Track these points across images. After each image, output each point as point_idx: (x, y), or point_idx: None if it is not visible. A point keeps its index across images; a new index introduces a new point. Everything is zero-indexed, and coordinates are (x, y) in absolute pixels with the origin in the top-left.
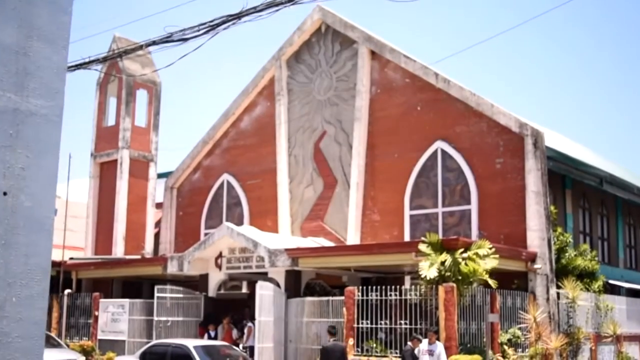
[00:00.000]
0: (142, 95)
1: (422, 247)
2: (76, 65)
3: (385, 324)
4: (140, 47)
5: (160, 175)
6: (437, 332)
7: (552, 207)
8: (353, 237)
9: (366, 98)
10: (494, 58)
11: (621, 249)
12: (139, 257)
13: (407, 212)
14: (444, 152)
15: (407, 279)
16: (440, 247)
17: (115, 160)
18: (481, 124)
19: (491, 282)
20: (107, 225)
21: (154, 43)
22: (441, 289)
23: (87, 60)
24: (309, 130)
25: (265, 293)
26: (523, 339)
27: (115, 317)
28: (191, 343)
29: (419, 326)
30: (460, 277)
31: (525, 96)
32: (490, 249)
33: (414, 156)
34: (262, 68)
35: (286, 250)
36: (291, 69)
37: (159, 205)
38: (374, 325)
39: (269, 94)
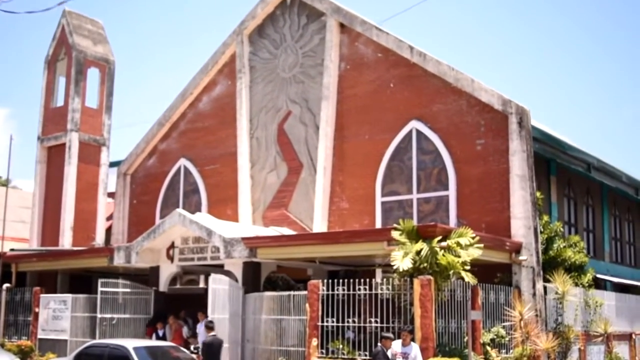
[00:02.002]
0: (94, 75)
1: (396, 234)
2: None
3: (354, 322)
4: None
5: (113, 164)
6: (412, 332)
7: (538, 193)
8: (319, 227)
9: (334, 75)
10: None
11: (607, 242)
12: (83, 248)
13: (379, 199)
14: (419, 132)
15: (379, 272)
16: (415, 235)
17: (64, 144)
18: (460, 101)
19: (469, 276)
20: (54, 215)
21: None
22: (416, 282)
23: None
24: (273, 111)
25: (219, 287)
26: (507, 339)
27: (56, 314)
28: (131, 344)
29: (391, 324)
30: (438, 269)
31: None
32: (472, 237)
33: (387, 137)
34: (222, 44)
35: (243, 239)
36: (254, 44)
37: (113, 196)
38: (341, 324)
39: (230, 72)
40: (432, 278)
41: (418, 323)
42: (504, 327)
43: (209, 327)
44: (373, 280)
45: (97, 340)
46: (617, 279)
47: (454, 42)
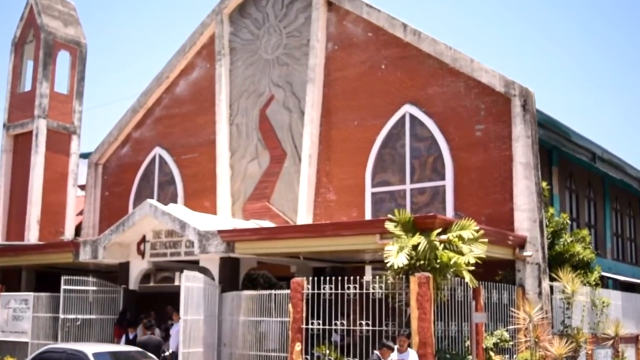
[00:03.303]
0: (64, 58)
1: (390, 226)
2: None
3: (342, 324)
4: None
5: (85, 156)
6: (410, 337)
7: (543, 183)
8: (304, 220)
9: (321, 56)
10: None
11: (609, 238)
12: (45, 242)
13: (369, 190)
14: (413, 117)
15: (368, 269)
16: (412, 228)
17: (31, 132)
18: (458, 83)
19: (469, 278)
20: (21, 208)
21: None
22: (413, 280)
23: None
24: (254, 95)
25: (192, 285)
26: (511, 343)
27: (17, 314)
28: (92, 349)
29: (385, 328)
30: (437, 266)
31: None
32: (476, 230)
33: (378, 123)
34: (201, 24)
35: (219, 232)
36: (234, 24)
37: (85, 188)
38: (327, 327)
39: (209, 54)
40: (430, 275)
41: (415, 326)
42: (507, 330)
43: (146, 326)
44: (364, 278)
45: (54, 345)
46: (623, 277)
47: (450, 22)
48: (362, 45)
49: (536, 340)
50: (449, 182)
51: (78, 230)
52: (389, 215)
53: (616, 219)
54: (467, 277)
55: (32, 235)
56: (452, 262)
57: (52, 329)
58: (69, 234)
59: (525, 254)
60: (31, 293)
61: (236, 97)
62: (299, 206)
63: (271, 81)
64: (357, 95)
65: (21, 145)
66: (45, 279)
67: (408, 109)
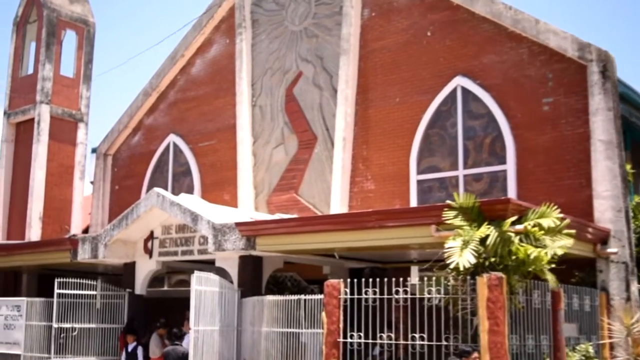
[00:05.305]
0: (70, 39)
1: (449, 215)
2: None
3: (389, 338)
4: None
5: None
6: (479, 354)
7: (628, 166)
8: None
9: (356, 24)
10: None
11: None
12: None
13: (414, 178)
14: (466, 91)
15: (414, 270)
16: (477, 216)
17: (33, 119)
18: (520, 49)
19: (550, 277)
20: (23, 203)
21: None
22: (481, 282)
23: None
24: (280, 72)
25: (205, 289)
26: None
27: (9, 322)
28: None
29: (444, 342)
30: (513, 264)
31: None
32: (560, 219)
33: (424, 99)
34: None
35: (237, 225)
36: None
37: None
38: (370, 340)
39: (228, 28)
40: (504, 276)
41: (485, 341)
42: (592, 344)
43: (177, 335)
44: (410, 280)
45: None
46: None
47: None
48: (404, 10)
49: (637, 357)
50: (510, 167)
51: (88, 229)
52: (448, 202)
53: None
54: (550, 278)
55: (33, 233)
56: (531, 258)
57: (48, 340)
58: (75, 230)
59: (609, 250)
60: (24, 298)
61: (259, 75)
62: (332, 197)
63: (299, 56)
64: (399, 68)
65: (23, 134)
66: (48, 283)
67: (460, 81)
